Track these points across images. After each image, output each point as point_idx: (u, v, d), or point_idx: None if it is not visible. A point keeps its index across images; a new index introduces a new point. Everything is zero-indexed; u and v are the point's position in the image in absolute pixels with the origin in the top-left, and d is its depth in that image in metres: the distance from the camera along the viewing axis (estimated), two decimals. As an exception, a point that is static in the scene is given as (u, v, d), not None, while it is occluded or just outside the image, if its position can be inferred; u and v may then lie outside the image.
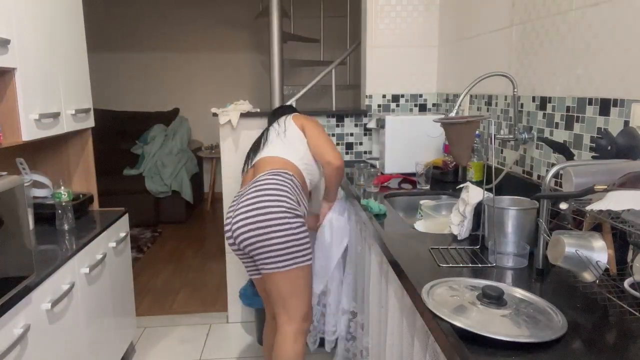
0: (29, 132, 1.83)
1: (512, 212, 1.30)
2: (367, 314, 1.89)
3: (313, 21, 5.12)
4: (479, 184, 2.08)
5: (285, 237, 1.72)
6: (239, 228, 1.75)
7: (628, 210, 0.99)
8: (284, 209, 1.73)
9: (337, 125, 2.87)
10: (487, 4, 2.16)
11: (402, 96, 2.89)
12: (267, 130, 2.13)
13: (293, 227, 1.73)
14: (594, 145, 1.30)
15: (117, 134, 5.25)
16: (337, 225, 2.08)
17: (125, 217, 2.41)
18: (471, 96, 2.38)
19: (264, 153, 1.97)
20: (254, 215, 1.73)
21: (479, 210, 1.45)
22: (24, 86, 1.80)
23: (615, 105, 1.35)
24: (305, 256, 1.78)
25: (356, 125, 2.90)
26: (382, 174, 2.47)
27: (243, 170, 2.09)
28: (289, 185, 1.80)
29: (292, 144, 1.96)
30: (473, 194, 1.48)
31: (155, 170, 4.87)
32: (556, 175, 1.32)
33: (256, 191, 1.76)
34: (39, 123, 1.90)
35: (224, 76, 5.92)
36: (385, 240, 1.45)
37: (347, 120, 2.89)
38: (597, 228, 1.13)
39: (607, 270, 1.08)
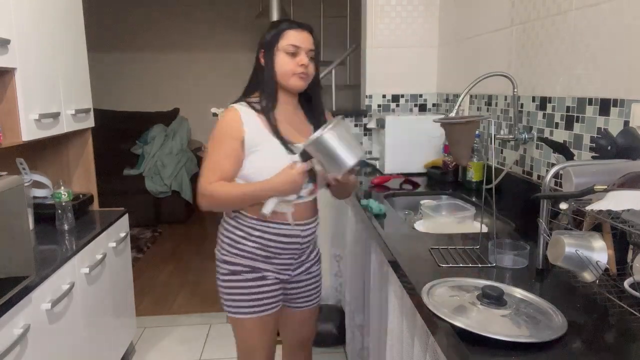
0: (29, 132, 1.83)
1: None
2: (367, 314, 1.89)
3: (313, 21, 5.09)
4: (479, 184, 2.09)
5: (217, 281, 1.62)
6: None
7: (628, 210, 0.99)
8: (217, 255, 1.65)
9: (337, 125, 2.87)
10: (487, 4, 2.16)
11: (402, 96, 2.89)
12: None
13: (219, 274, 1.60)
14: (594, 145, 1.30)
15: (117, 134, 5.24)
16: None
17: (125, 217, 2.41)
18: (471, 96, 2.38)
19: None
20: None
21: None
22: (24, 86, 1.80)
23: (615, 105, 1.35)
24: (229, 307, 1.58)
25: (356, 125, 2.90)
26: (380, 173, 2.47)
27: None
28: (222, 228, 1.72)
29: None
30: None
31: (155, 170, 4.87)
32: (556, 175, 1.32)
33: None
34: (39, 123, 1.90)
35: (224, 76, 5.91)
36: (385, 240, 1.45)
37: (347, 120, 2.89)
38: (597, 228, 1.13)
39: (607, 270, 1.08)
